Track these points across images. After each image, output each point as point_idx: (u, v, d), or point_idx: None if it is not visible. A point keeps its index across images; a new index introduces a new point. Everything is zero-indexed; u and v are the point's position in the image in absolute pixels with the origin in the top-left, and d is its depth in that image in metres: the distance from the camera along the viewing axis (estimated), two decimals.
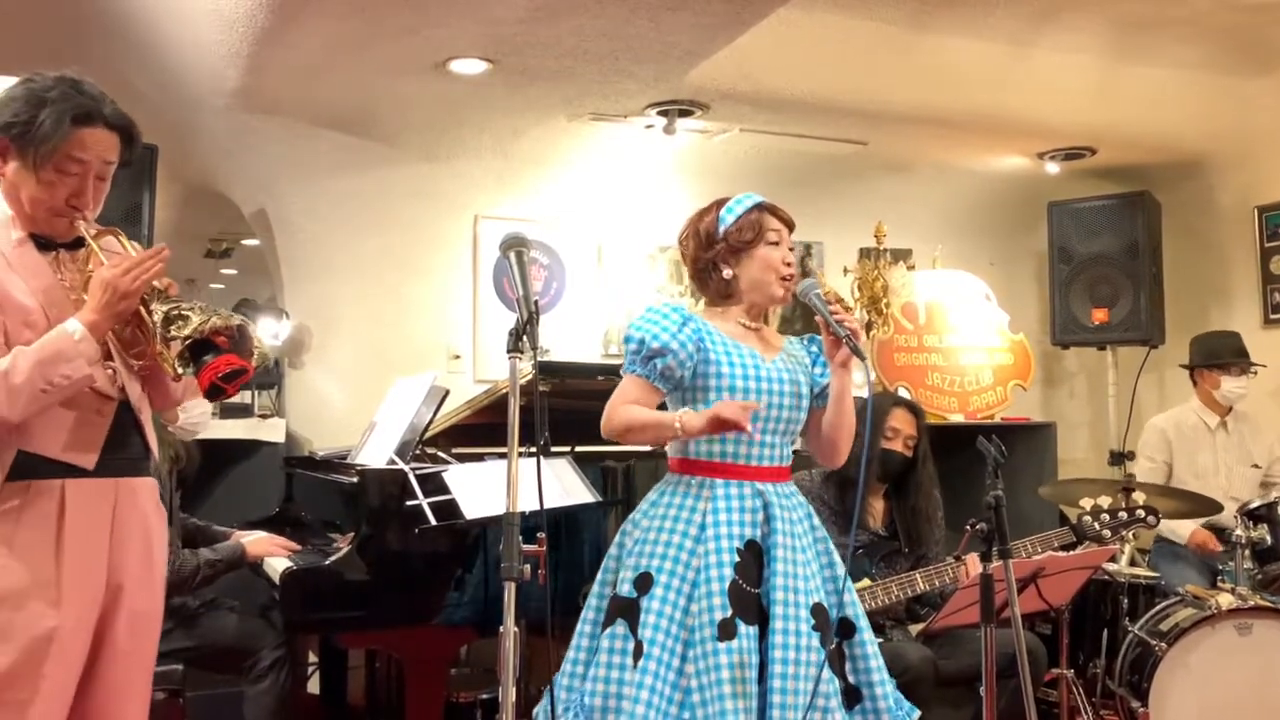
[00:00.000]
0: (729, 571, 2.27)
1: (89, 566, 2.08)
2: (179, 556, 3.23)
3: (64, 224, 2.13)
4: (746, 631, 2.23)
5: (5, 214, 2.12)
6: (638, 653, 2.26)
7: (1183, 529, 4.23)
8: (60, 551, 2.05)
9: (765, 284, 2.44)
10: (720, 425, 2.23)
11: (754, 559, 2.30)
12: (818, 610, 2.30)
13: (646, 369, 2.35)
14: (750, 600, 2.27)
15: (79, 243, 2.15)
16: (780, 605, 2.26)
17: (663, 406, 2.42)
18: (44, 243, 2.14)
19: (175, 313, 2.05)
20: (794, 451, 2.48)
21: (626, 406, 2.36)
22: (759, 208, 2.47)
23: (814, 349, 2.51)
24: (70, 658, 2.06)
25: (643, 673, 2.23)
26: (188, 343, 2.03)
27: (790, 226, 2.49)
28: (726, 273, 2.45)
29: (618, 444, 2.51)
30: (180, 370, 2.06)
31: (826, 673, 2.25)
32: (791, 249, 2.47)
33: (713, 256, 2.46)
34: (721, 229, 2.46)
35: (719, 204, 2.50)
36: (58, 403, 2.04)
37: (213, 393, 2.05)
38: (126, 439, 2.16)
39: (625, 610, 2.31)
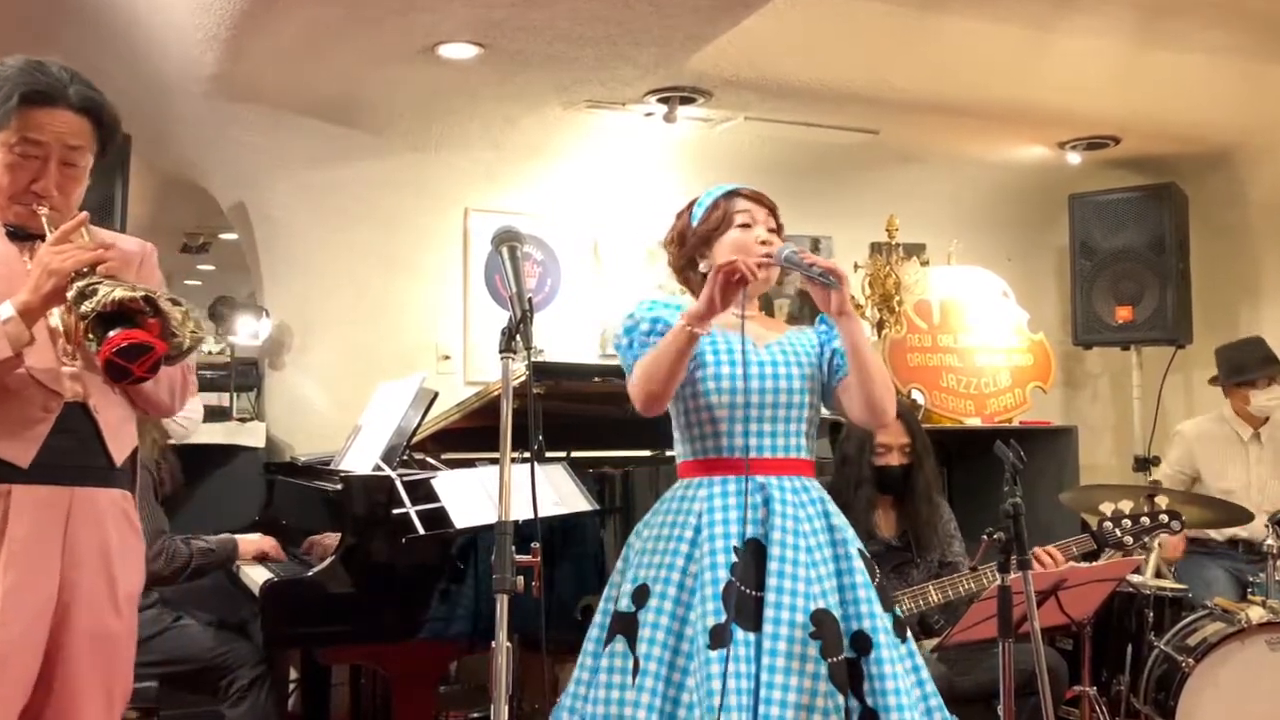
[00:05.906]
0: (724, 574, 2.25)
1: (33, 580, 2.02)
2: (170, 545, 3.25)
3: (28, 213, 2.09)
4: (744, 639, 2.20)
5: None
6: (635, 669, 2.26)
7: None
8: (1, 562, 2.00)
9: None
10: (724, 280, 2.20)
11: (755, 559, 2.27)
12: (820, 617, 2.24)
13: (650, 342, 2.33)
14: (750, 604, 2.23)
15: None
16: (772, 609, 2.22)
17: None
18: (20, 233, 2.11)
19: (89, 288, 1.93)
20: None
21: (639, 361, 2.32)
22: (726, 195, 2.47)
23: (822, 327, 2.49)
24: (13, 675, 2.00)
25: (639, 690, 2.24)
26: (94, 318, 1.89)
27: (768, 207, 2.46)
28: (703, 266, 2.45)
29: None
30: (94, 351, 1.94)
31: (825, 685, 2.19)
32: (775, 229, 2.44)
33: (689, 253, 2.50)
34: (693, 225, 2.48)
35: (693, 202, 2.53)
36: None
37: (115, 373, 1.92)
38: (85, 446, 2.10)
39: (625, 626, 2.31)
